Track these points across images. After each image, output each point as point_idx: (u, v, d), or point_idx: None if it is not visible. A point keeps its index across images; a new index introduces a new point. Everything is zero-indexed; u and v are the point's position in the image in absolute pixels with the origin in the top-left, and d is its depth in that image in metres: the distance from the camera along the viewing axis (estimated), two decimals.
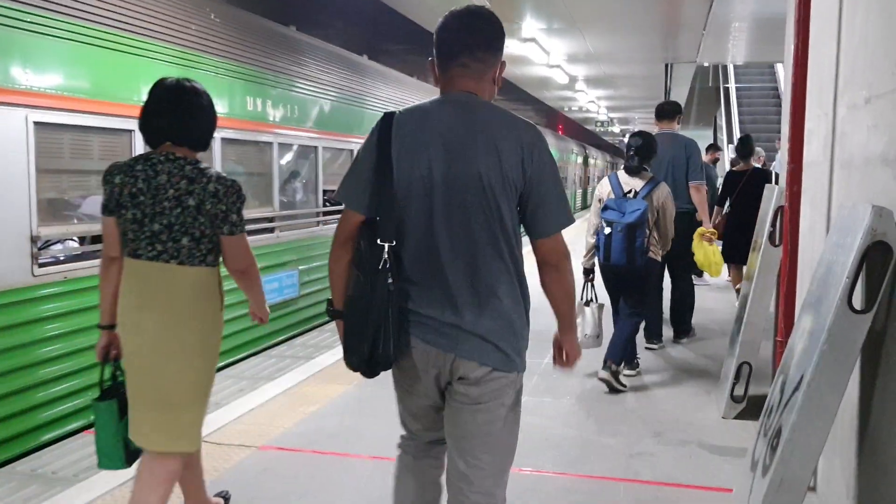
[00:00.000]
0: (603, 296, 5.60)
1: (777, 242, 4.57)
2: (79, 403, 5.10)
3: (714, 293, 9.65)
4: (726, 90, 21.24)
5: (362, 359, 2.27)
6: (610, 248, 5.20)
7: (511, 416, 2.38)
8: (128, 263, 2.87)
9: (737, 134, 18.43)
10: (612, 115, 36.22)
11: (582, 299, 5.42)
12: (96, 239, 5.61)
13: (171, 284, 2.85)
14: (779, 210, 4.53)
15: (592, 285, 5.50)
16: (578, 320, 5.26)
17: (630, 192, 5.34)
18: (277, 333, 7.66)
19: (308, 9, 15.26)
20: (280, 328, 7.72)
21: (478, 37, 2.35)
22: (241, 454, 4.21)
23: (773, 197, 4.77)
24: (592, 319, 5.44)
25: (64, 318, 4.98)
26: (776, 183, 6.51)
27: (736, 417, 4.85)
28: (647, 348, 6.48)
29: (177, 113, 2.91)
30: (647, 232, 5.22)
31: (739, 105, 20.31)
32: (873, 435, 2.49)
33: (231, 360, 6.64)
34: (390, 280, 2.21)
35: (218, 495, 3.54)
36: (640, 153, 5.45)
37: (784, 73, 4.85)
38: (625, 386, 5.43)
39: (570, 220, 2.35)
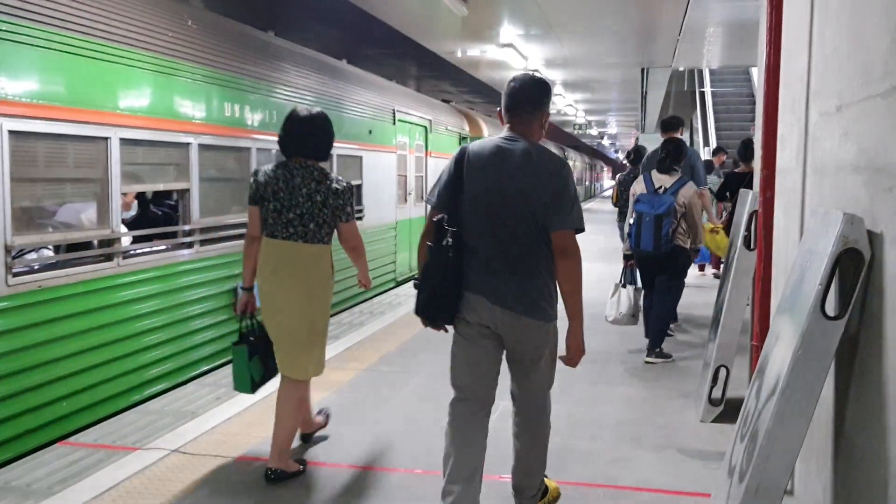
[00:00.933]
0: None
1: (752, 246, 4.61)
2: (59, 412, 5.06)
3: (696, 294, 9.69)
4: (702, 94, 21.39)
5: (421, 305, 3.33)
6: (640, 236, 6.21)
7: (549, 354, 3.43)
8: (266, 241, 4.01)
9: (712, 137, 18.57)
10: (589, 118, 36.43)
11: (620, 282, 6.57)
12: (72, 247, 5.56)
13: (297, 257, 3.96)
14: (753, 214, 4.57)
15: (632, 270, 6.63)
16: (613, 299, 6.52)
17: (660, 188, 6.27)
18: None
19: (287, 14, 15.21)
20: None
21: (527, 97, 3.40)
22: (217, 465, 4.19)
23: (748, 201, 4.81)
24: (628, 300, 6.45)
25: (39, 327, 4.93)
26: None
27: (714, 421, 4.89)
28: (646, 362, 6.48)
29: (305, 137, 4.05)
30: (674, 222, 6.14)
31: (715, 109, 20.46)
32: (848, 438, 2.52)
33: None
34: (451, 254, 3.24)
35: (319, 413, 4.67)
36: (671, 156, 6.44)
37: (757, 80, 4.94)
38: (670, 355, 6.49)
39: (579, 224, 3.26)
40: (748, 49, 13.73)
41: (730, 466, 2.83)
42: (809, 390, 2.38)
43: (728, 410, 4.86)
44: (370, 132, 10.59)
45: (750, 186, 7.56)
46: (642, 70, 18.46)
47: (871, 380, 2.26)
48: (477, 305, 3.29)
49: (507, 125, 3.40)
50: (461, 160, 3.35)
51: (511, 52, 14.90)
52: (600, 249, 13.79)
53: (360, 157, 10.30)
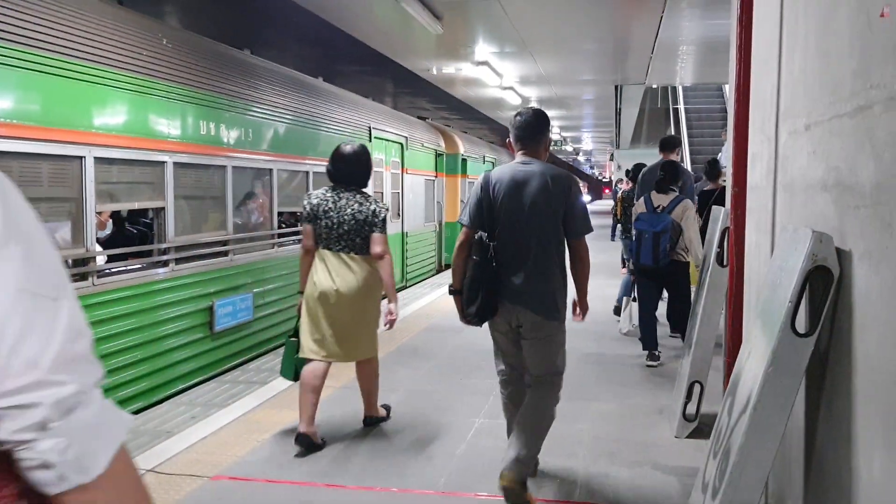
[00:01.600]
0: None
1: (724, 263, 4.66)
2: None
3: None
4: (675, 111, 21.62)
5: (472, 313, 3.97)
6: (640, 252, 6.71)
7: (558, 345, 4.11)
8: (320, 253, 4.81)
9: (686, 153, 18.76)
10: (564, 134, 36.65)
11: (632, 297, 7.23)
12: None
13: (348, 266, 4.78)
14: (725, 231, 4.63)
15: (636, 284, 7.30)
16: (626, 314, 7.48)
17: (658, 207, 6.72)
18: (231, 358, 7.58)
19: (262, 32, 15.22)
20: (233, 352, 7.65)
21: (533, 128, 4.16)
22: (192, 485, 4.15)
23: (720, 218, 4.87)
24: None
25: None
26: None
27: (688, 436, 4.92)
28: (647, 366, 6.92)
29: (350, 169, 4.94)
30: (674, 239, 6.57)
31: (689, 125, 20.69)
32: (819, 453, 2.55)
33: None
34: (494, 265, 3.91)
35: (382, 406, 5.36)
36: (668, 177, 6.91)
37: (728, 98, 5.05)
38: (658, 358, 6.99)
39: (590, 229, 4.05)
40: (720, 66, 13.93)
41: (703, 483, 2.85)
42: (781, 406, 2.41)
43: (702, 426, 4.89)
44: None
45: (718, 203, 7.87)
46: (616, 87, 18.64)
47: (841, 395, 2.29)
48: (506, 307, 3.98)
49: (520, 152, 4.13)
50: (487, 185, 4.03)
51: (486, 70, 15.00)
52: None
53: None
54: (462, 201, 17.86)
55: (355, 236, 4.76)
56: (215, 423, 5.18)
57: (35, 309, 0.94)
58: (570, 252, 4.03)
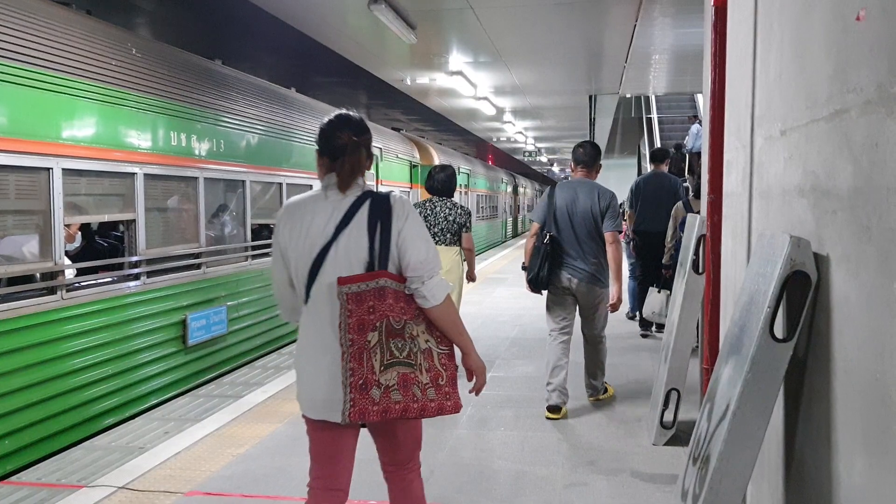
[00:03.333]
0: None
1: (700, 270, 4.66)
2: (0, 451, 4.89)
3: None
4: (649, 120, 21.78)
5: (533, 281, 5.58)
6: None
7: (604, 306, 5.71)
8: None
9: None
10: (539, 145, 36.77)
11: (657, 288, 7.79)
12: (13, 281, 5.39)
13: (445, 255, 6.32)
14: (701, 238, 4.63)
15: (670, 279, 7.54)
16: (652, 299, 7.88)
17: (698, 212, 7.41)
18: (204, 372, 7.49)
19: (235, 43, 15.13)
20: (207, 366, 7.56)
21: (589, 157, 5.86)
22: (166, 501, 4.07)
23: (695, 225, 4.88)
24: (659, 303, 7.61)
25: None
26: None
27: (666, 444, 4.91)
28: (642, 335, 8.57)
29: (442, 184, 6.76)
30: None
31: (662, 134, 20.84)
32: (799, 459, 2.53)
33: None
34: (549, 248, 5.53)
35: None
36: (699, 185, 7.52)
37: (703, 106, 5.09)
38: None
39: (619, 226, 5.66)
40: (693, 75, 14.05)
41: (682, 490, 2.83)
42: (760, 412, 2.39)
43: (679, 433, 4.89)
44: None
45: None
46: (590, 97, 18.73)
47: (820, 400, 2.28)
48: (562, 278, 5.61)
49: (580, 173, 5.86)
50: (552, 194, 5.78)
51: (460, 80, 15.00)
52: None
53: (311, 186, 10.24)
54: None
55: (446, 233, 6.56)
56: (189, 437, 5.10)
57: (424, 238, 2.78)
58: (606, 242, 5.60)
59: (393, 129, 17.36)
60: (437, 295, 2.70)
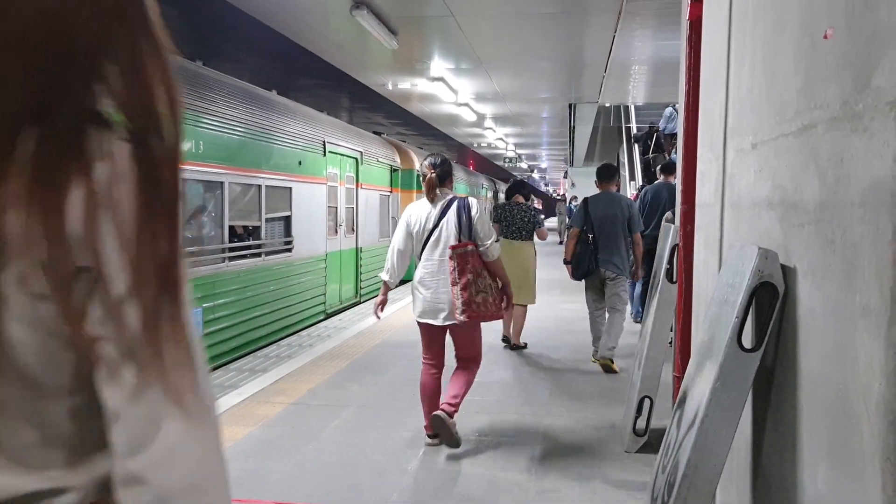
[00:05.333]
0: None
1: (673, 279, 4.71)
2: None
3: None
4: (628, 129, 21.91)
5: (580, 273, 7.44)
6: None
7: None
8: (504, 241, 7.94)
9: (638, 171, 19.01)
10: (519, 151, 36.92)
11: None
12: None
13: (520, 248, 8.12)
14: (675, 248, 4.68)
15: None
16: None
17: None
18: None
19: (216, 44, 15.09)
20: None
21: (611, 174, 7.79)
22: None
23: (669, 235, 4.93)
24: None
25: None
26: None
27: (638, 451, 4.95)
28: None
29: (517, 188, 8.53)
30: None
31: (641, 157, 20.98)
32: (765, 467, 2.57)
33: None
34: (592, 247, 7.30)
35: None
36: None
37: (678, 117, 5.16)
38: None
39: (642, 228, 7.78)
40: (671, 86, 14.16)
41: (652, 497, 2.86)
42: (727, 421, 2.43)
43: (652, 441, 4.93)
44: (300, 163, 10.54)
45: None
46: (570, 105, 18.83)
47: (786, 410, 2.32)
48: (599, 269, 7.36)
49: (606, 188, 7.67)
50: (586, 204, 7.53)
51: (441, 86, 15.05)
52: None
53: (290, 189, 10.23)
54: None
55: (522, 230, 8.13)
56: None
57: (487, 222, 5.06)
58: (632, 238, 7.51)
59: (374, 133, 17.36)
60: (494, 253, 5.04)
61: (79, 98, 0.90)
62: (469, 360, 5.11)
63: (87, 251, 0.86)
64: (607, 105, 19.31)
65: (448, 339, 5.11)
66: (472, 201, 5.12)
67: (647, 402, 4.93)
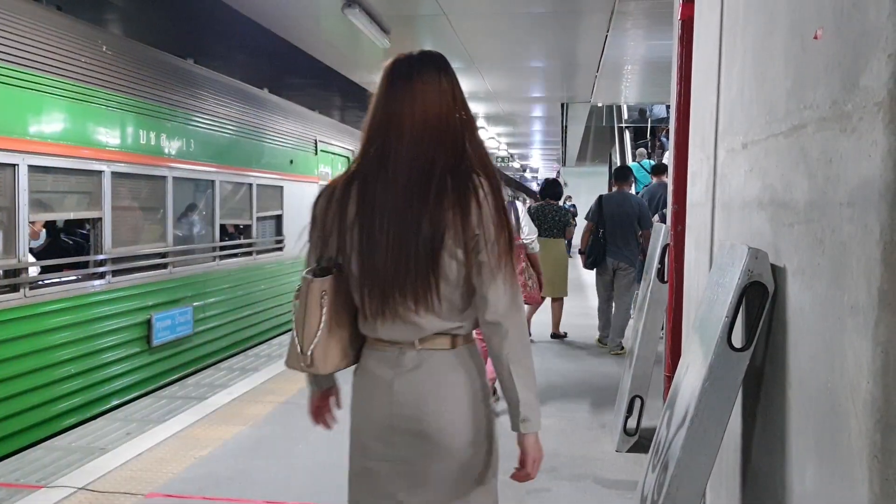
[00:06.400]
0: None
1: (664, 279, 4.72)
2: None
3: None
4: (620, 129, 21.94)
5: (593, 262, 8.32)
6: None
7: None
8: (538, 239, 6.82)
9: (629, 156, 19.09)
10: (512, 151, 36.90)
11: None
12: None
13: (553, 245, 8.62)
14: (666, 248, 4.69)
15: None
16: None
17: None
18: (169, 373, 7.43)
19: (208, 42, 15.03)
20: (172, 367, 7.50)
21: (625, 175, 8.98)
22: (126, 503, 4.04)
23: (660, 235, 4.93)
24: None
25: None
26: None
27: (629, 450, 4.96)
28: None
29: (548, 189, 9.11)
30: None
31: (633, 143, 21.03)
32: (755, 466, 2.58)
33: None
34: (602, 241, 8.17)
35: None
36: None
37: (670, 118, 5.20)
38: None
39: (651, 224, 7.70)
40: (663, 86, 14.18)
41: (642, 496, 2.87)
42: (717, 420, 2.43)
43: (642, 440, 4.94)
44: (291, 162, 10.52)
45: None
46: (562, 105, 18.84)
47: (775, 409, 2.33)
48: (608, 261, 8.14)
49: (619, 188, 8.61)
50: (601, 202, 8.30)
51: None
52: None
53: (281, 188, 10.21)
54: None
55: (553, 227, 8.64)
56: (151, 439, 5.06)
57: (529, 223, 6.48)
58: (642, 234, 7.97)
59: None
60: (536, 248, 6.36)
61: (464, 160, 2.10)
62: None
63: (478, 226, 2.04)
64: (599, 105, 19.33)
65: None
66: (519, 204, 6.34)
67: (637, 401, 4.94)
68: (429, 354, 2.10)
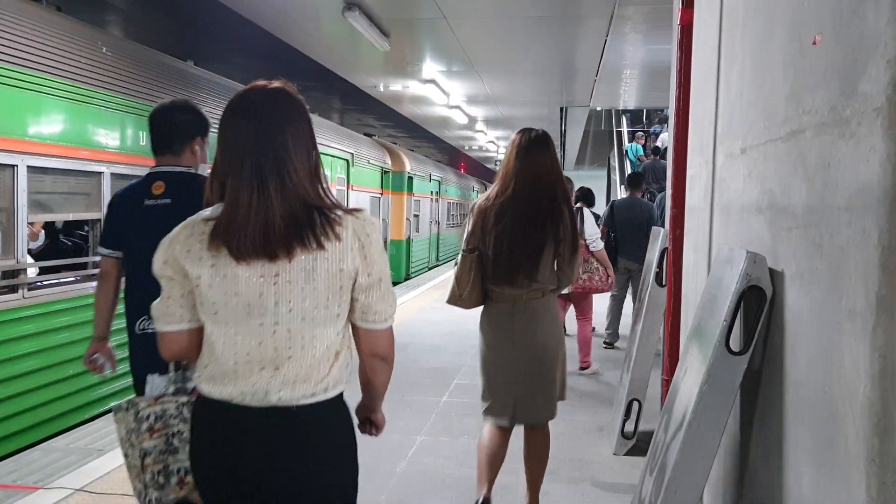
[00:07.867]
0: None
1: (663, 283, 4.73)
2: None
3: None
4: (618, 133, 21.98)
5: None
6: None
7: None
8: None
9: (627, 172, 19.09)
10: None
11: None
12: None
13: None
14: (664, 252, 4.70)
15: None
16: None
17: None
18: None
19: (208, 44, 15.06)
20: None
21: (637, 182, 9.45)
22: None
23: (659, 239, 4.94)
24: None
25: None
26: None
27: (627, 454, 4.96)
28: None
29: (585, 197, 8.37)
30: None
31: (630, 125, 21.13)
32: (752, 470, 2.59)
33: None
34: (614, 243, 8.56)
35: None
36: None
37: (668, 122, 5.22)
38: None
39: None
40: (661, 90, 14.21)
41: (640, 499, 2.87)
42: (715, 424, 2.44)
43: (640, 443, 4.94)
44: None
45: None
46: (561, 109, 18.87)
47: (773, 413, 2.33)
48: (621, 262, 8.46)
49: (631, 193, 9.09)
50: (613, 207, 8.91)
51: (433, 88, 15.05)
52: None
53: None
54: (408, 219, 17.93)
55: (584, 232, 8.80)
56: None
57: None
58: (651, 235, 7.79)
59: (365, 134, 17.34)
60: (599, 246, 7.29)
61: (556, 199, 3.67)
62: (585, 314, 7.56)
63: (563, 236, 3.61)
64: (598, 108, 19.36)
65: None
66: (585, 211, 7.45)
67: (635, 404, 4.94)
68: (532, 301, 3.64)
